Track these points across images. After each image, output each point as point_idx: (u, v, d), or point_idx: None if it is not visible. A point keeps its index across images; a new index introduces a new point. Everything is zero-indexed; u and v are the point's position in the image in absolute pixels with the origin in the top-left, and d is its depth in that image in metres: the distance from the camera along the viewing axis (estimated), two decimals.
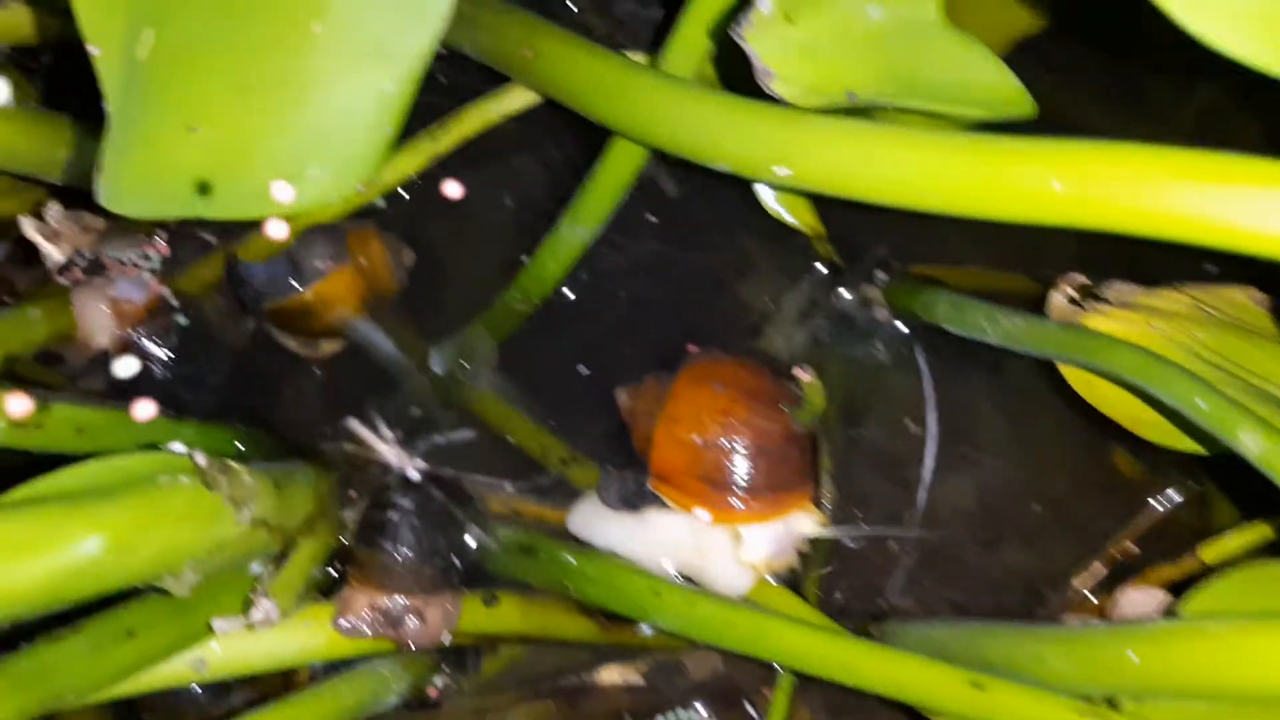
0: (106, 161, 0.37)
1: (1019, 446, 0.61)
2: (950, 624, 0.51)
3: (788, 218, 0.55)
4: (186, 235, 0.59)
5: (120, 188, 0.38)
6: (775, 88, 0.41)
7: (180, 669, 0.49)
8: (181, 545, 0.39)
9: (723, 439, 0.53)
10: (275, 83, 0.43)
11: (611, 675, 0.58)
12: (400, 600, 0.52)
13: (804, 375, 0.56)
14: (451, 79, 0.57)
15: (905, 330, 0.60)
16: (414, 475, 0.51)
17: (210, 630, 0.47)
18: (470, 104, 0.55)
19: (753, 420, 0.53)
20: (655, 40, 0.59)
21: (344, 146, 0.45)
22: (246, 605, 0.48)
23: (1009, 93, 0.48)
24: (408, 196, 0.59)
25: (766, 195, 0.54)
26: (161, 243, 0.58)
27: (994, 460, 0.60)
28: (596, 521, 0.57)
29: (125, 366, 0.55)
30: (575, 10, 0.60)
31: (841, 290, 0.60)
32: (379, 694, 0.52)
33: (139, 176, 0.39)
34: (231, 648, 0.51)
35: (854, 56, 0.42)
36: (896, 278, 0.60)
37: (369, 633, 0.52)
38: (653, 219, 0.61)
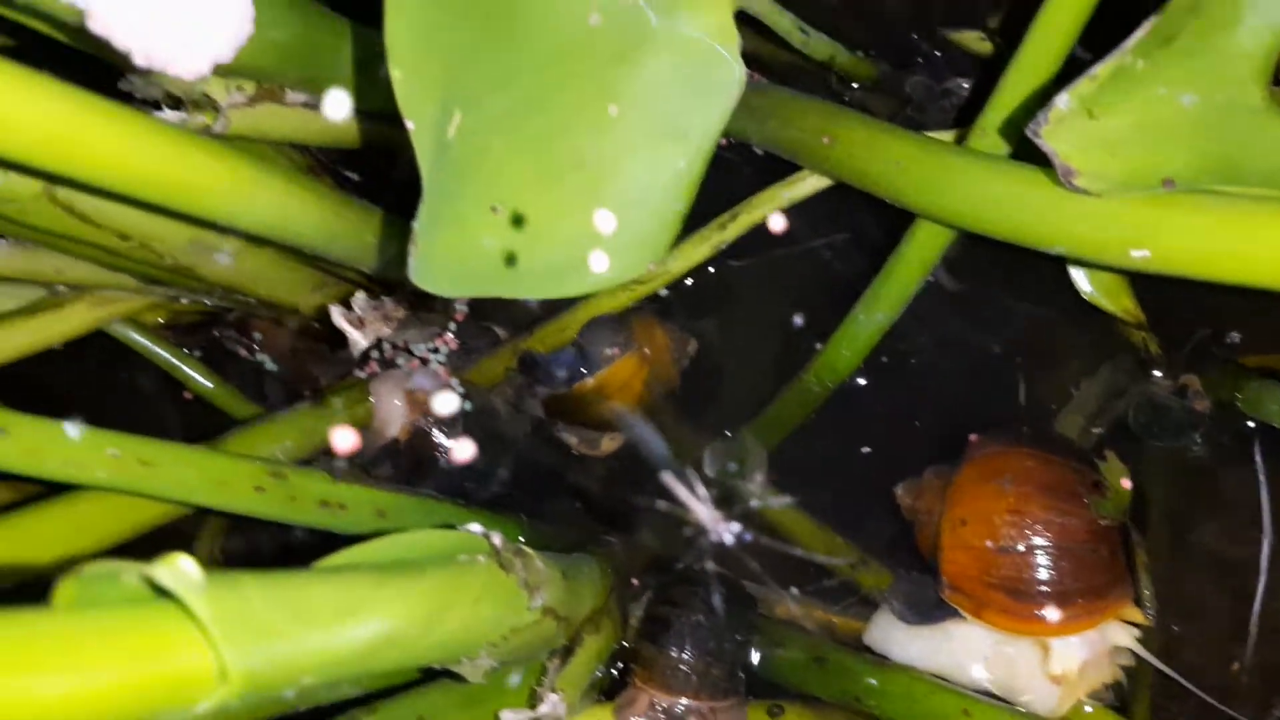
0: (420, 237, 0.37)
1: None
2: None
3: (1104, 303, 0.50)
4: (475, 328, 0.61)
5: (431, 265, 0.39)
6: (1079, 184, 0.37)
7: None
8: (479, 626, 0.37)
9: (1018, 542, 0.48)
10: (574, 163, 0.43)
11: None
12: (684, 702, 0.50)
13: (1106, 461, 0.51)
14: (734, 169, 0.57)
15: (1232, 423, 0.53)
16: (728, 539, 0.49)
17: None
18: (758, 193, 0.54)
19: (1050, 517, 0.48)
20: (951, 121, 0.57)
21: (639, 223, 0.44)
22: (533, 699, 0.47)
23: None
24: (691, 283, 0.58)
25: (1081, 280, 0.50)
26: (451, 336, 0.60)
27: None
28: (895, 634, 0.52)
29: (444, 403, 0.55)
30: (855, 89, 0.59)
31: (1155, 376, 0.54)
32: None
33: (448, 254, 0.40)
34: None
35: (1168, 145, 0.38)
36: (1221, 366, 0.54)
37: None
38: (941, 302, 0.57)
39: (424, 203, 0.37)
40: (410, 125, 0.36)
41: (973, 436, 0.53)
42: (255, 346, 0.62)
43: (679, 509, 0.47)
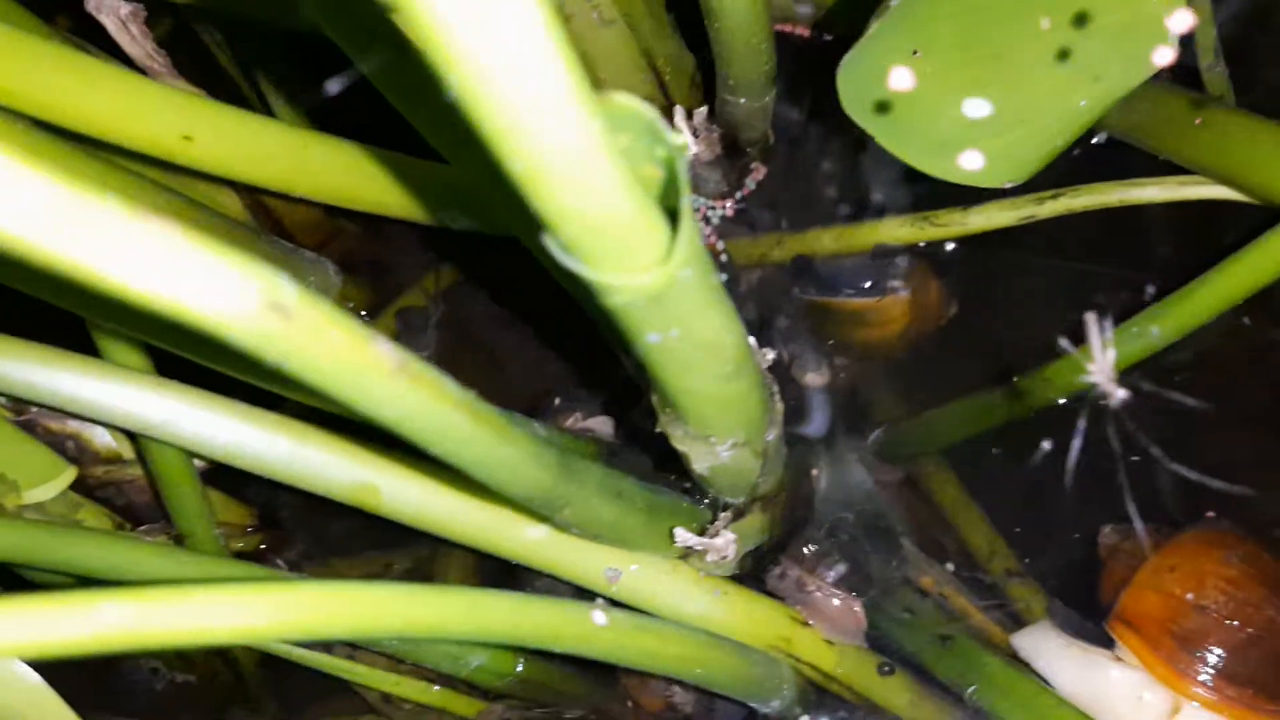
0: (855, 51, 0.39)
1: None
2: None
3: None
4: (752, 214, 0.61)
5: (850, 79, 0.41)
6: None
7: None
8: None
9: (1218, 608, 0.47)
10: (992, 54, 0.44)
11: None
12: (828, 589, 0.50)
13: None
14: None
15: None
16: None
17: None
18: (1086, 185, 0.54)
19: (1261, 607, 0.48)
20: None
21: (1020, 139, 0.45)
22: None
23: None
24: (977, 250, 0.58)
25: None
26: (731, 204, 0.60)
27: None
28: (1046, 648, 0.51)
29: None
30: None
31: None
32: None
33: (860, 77, 0.41)
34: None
35: None
36: None
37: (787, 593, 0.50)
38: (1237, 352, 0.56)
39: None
40: None
41: (1210, 513, 0.52)
42: None
43: None
